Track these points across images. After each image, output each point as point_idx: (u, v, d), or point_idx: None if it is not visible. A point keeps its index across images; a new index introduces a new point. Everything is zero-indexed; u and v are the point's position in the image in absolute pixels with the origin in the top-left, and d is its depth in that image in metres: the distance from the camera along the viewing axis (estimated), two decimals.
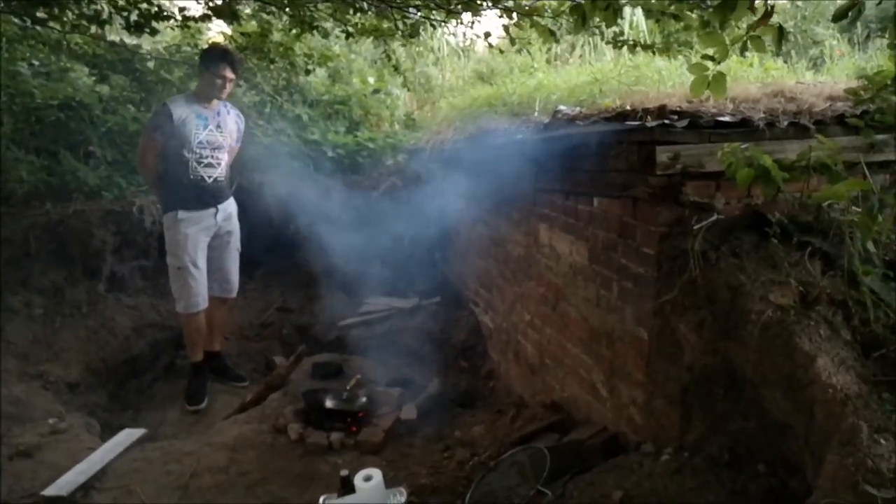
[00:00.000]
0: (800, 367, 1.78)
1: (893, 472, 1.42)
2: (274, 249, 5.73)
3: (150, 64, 5.42)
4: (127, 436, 3.50)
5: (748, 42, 1.93)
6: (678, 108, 2.53)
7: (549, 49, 6.72)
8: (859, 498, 1.40)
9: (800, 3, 7.41)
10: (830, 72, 4.06)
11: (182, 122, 3.88)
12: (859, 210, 2.03)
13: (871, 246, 1.95)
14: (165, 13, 4.52)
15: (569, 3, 3.02)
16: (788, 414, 1.91)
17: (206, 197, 4.06)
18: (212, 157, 4.04)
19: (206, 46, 4.60)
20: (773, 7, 1.99)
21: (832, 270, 2.02)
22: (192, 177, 3.98)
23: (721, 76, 2.00)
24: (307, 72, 5.79)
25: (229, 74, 3.96)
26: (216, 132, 4.05)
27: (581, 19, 2.27)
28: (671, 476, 2.19)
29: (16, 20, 4.54)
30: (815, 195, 2.13)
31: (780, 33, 1.85)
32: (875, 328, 1.86)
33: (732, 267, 2.12)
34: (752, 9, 1.99)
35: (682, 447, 2.31)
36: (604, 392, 2.90)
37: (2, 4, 4.17)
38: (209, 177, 4.05)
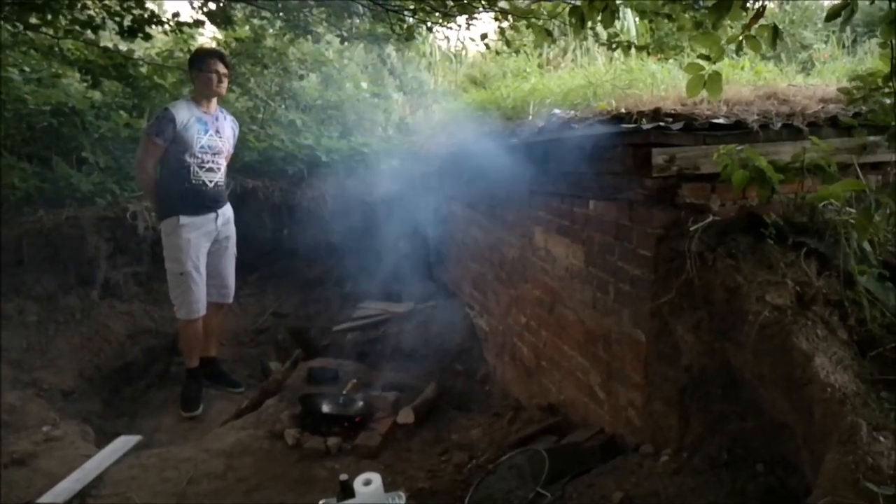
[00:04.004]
0: (797, 367, 1.80)
1: (894, 469, 1.44)
2: (268, 254, 5.73)
3: (143, 69, 5.40)
4: (122, 443, 3.48)
5: (743, 42, 1.95)
6: (673, 111, 2.54)
7: (540, 54, 6.76)
8: (860, 495, 1.41)
9: (787, 7, 7.47)
10: (821, 74, 4.10)
11: (184, 126, 3.86)
12: (854, 211, 2.05)
13: (866, 246, 1.97)
14: (158, 18, 4.53)
15: (564, 5, 3.04)
16: (786, 413, 1.92)
17: (208, 201, 4.05)
18: (212, 161, 4.03)
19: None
20: (764, 7, 2.02)
21: (828, 271, 2.04)
22: (193, 181, 3.96)
23: (717, 76, 2.02)
24: (300, 77, 5.80)
25: (221, 69, 3.95)
26: (216, 137, 4.04)
27: (580, 21, 2.29)
28: (671, 477, 2.20)
29: (7, 26, 4.52)
30: (809, 196, 2.15)
31: (776, 33, 1.88)
32: (871, 328, 1.88)
33: (729, 268, 2.13)
34: (745, 8, 2.01)
35: (681, 448, 2.32)
36: (601, 394, 2.91)
37: None
38: (210, 181, 4.04)
